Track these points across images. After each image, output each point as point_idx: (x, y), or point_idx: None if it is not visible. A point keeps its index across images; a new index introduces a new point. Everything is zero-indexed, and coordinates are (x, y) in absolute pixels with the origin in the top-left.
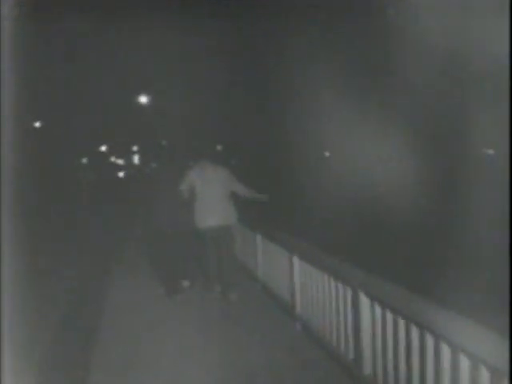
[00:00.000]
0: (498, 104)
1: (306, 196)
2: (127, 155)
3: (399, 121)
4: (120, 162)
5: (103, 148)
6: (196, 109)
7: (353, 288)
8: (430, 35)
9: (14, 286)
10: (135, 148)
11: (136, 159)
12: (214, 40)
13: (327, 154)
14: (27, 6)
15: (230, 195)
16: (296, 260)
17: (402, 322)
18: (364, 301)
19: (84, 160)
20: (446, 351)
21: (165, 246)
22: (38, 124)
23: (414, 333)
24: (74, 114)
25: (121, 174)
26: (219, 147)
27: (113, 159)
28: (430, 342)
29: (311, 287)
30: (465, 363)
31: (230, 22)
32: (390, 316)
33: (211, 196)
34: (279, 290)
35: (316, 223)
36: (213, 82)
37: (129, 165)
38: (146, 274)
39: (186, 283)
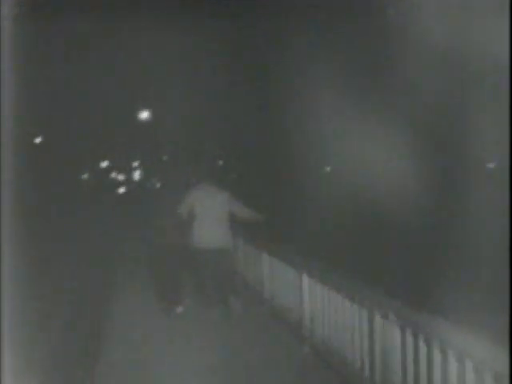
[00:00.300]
0: (498, 104)
1: (310, 210)
2: (128, 171)
3: (402, 123)
4: (121, 177)
5: (104, 164)
6: (197, 122)
7: (369, 310)
8: (430, 35)
9: (14, 286)
10: (136, 164)
11: (137, 175)
12: (217, 48)
13: (328, 169)
14: (27, 5)
15: (228, 217)
16: (305, 279)
17: (423, 346)
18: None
19: (84, 176)
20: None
21: (160, 263)
22: (37, 140)
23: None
24: (73, 125)
25: (121, 190)
26: (220, 162)
27: (113, 175)
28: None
29: (323, 308)
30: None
31: (232, 31)
32: (410, 340)
33: (210, 218)
34: (288, 311)
35: (323, 238)
36: (214, 95)
37: (129, 180)
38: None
39: (179, 309)
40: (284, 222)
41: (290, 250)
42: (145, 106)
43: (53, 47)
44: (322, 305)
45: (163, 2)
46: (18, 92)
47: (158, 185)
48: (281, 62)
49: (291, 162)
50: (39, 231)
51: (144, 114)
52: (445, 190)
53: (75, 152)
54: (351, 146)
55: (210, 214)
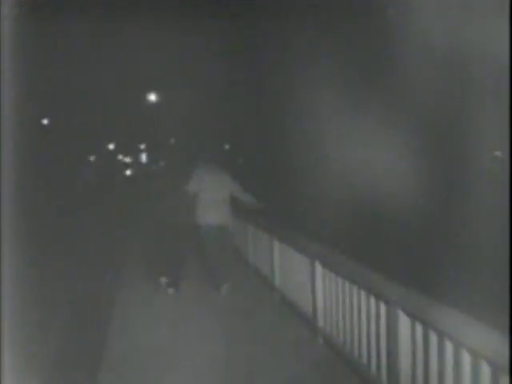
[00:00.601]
0: (499, 104)
1: (320, 196)
2: (135, 153)
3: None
4: (127, 160)
5: (111, 146)
6: (204, 107)
7: (387, 303)
8: (430, 35)
9: (14, 286)
10: (143, 146)
11: (143, 157)
12: (223, 37)
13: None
14: (27, 5)
15: (229, 199)
16: (318, 267)
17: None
18: (403, 319)
19: (92, 158)
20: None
21: (161, 241)
22: (45, 121)
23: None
24: (81, 112)
25: (128, 172)
26: (227, 146)
27: (120, 157)
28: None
29: (336, 299)
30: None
31: (238, 18)
32: (434, 338)
33: (212, 197)
34: (299, 300)
35: (335, 226)
36: (222, 80)
37: (136, 163)
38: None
39: (163, 280)
40: (289, 208)
41: (300, 236)
42: (152, 90)
43: (53, 47)
44: (335, 294)
45: (163, 2)
46: (18, 92)
47: (164, 167)
48: (289, 59)
49: (299, 150)
50: (42, 221)
51: (151, 97)
52: (451, 188)
53: (82, 136)
54: (357, 140)
55: (212, 195)
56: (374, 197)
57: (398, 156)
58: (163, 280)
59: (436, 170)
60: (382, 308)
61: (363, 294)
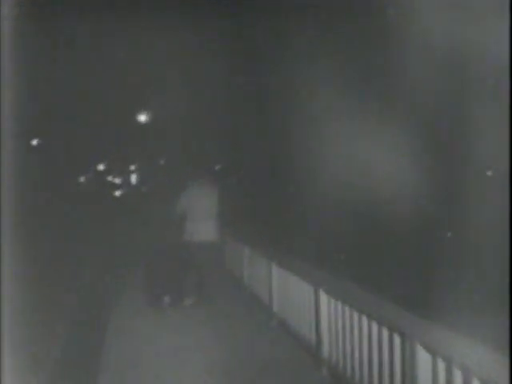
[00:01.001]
0: (499, 105)
1: (325, 218)
2: (124, 174)
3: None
4: (117, 181)
5: (101, 167)
6: (196, 126)
7: (402, 335)
8: (429, 35)
9: (14, 286)
10: (133, 167)
11: (133, 178)
12: (217, 50)
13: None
14: (27, 5)
15: (217, 214)
16: (323, 296)
17: None
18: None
19: (81, 179)
20: None
21: (153, 259)
22: (34, 142)
23: None
24: (71, 127)
25: (117, 193)
26: (218, 166)
27: (110, 178)
28: None
29: (342, 328)
30: None
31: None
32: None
33: (200, 215)
34: (300, 328)
35: (340, 250)
36: (214, 98)
37: (126, 184)
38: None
39: (166, 299)
40: (289, 230)
41: (302, 261)
42: (143, 108)
43: (53, 47)
44: (341, 323)
45: (163, 2)
46: (18, 92)
47: (154, 188)
48: (282, 62)
49: (293, 164)
50: (38, 230)
51: (142, 117)
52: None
53: (72, 153)
54: (356, 147)
55: (200, 212)
56: (383, 217)
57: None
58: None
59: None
60: (396, 340)
61: (374, 324)
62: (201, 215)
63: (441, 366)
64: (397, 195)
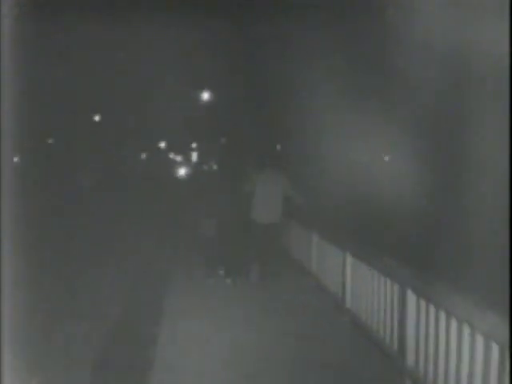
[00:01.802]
0: (498, 105)
1: (410, 204)
2: (186, 152)
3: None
4: (178, 158)
5: (162, 144)
6: (260, 106)
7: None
8: (428, 35)
9: (14, 286)
10: (194, 145)
11: (195, 156)
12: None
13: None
14: (27, 5)
15: (281, 197)
16: (411, 297)
17: None
18: None
19: (143, 155)
20: None
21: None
22: (97, 118)
23: None
24: (132, 108)
25: (182, 172)
26: (279, 147)
27: (171, 156)
28: None
29: (436, 335)
30: None
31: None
32: None
33: (266, 197)
34: (378, 329)
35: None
36: (278, 81)
37: (187, 162)
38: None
39: (221, 272)
40: (366, 217)
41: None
42: (205, 88)
43: (53, 47)
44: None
45: (164, 2)
46: (18, 91)
47: (215, 167)
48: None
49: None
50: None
51: (205, 95)
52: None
53: (133, 134)
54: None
55: (267, 194)
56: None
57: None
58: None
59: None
60: (495, 351)
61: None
62: (268, 197)
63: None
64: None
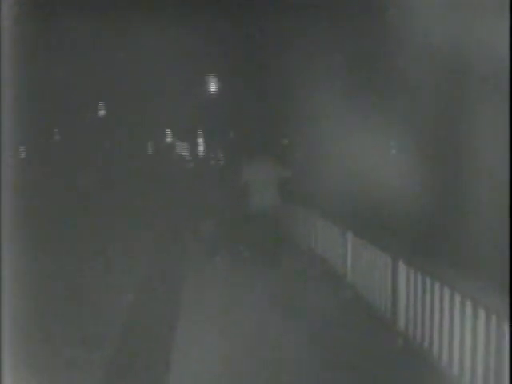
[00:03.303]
0: (499, 105)
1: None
2: (192, 146)
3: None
4: (185, 153)
5: (168, 139)
6: (266, 99)
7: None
8: (428, 35)
9: (14, 286)
10: (200, 139)
11: (201, 150)
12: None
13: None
14: (27, 5)
15: (277, 182)
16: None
17: None
18: None
19: (150, 150)
20: None
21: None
22: (102, 113)
23: None
24: (136, 103)
25: (191, 165)
26: (285, 141)
27: (178, 150)
28: None
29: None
30: None
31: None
32: None
33: (260, 185)
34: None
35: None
36: (288, 74)
37: (193, 156)
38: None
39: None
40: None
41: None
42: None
43: (53, 47)
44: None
45: (164, 2)
46: (18, 91)
47: (222, 162)
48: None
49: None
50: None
51: (211, 87)
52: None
53: (139, 128)
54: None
55: (259, 182)
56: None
57: None
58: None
59: None
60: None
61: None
62: (262, 184)
63: None
64: None
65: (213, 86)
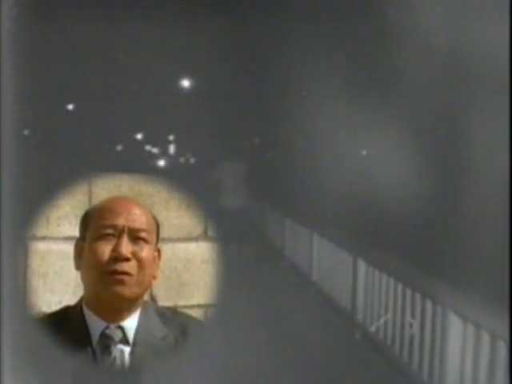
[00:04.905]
0: (499, 105)
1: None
2: (163, 144)
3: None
4: (155, 151)
5: (139, 136)
6: (235, 97)
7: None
8: (428, 35)
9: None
10: (171, 137)
11: (172, 149)
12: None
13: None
14: (27, 5)
15: (245, 182)
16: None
17: None
18: None
19: (118, 148)
20: None
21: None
22: (70, 107)
23: None
24: (108, 99)
25: (161, 163)
26: (257, 140)
27: (148, 148)
28: None
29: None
30: None
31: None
32: None
33: (231, 182)
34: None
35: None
36: (256, 72)
37: (164, 154)
38: None
39: None
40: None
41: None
42: (184, 76)
43: (53, 47)
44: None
45: (164, 2)
46: (18, 91)
47: (193, 160)
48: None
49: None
50: None
51: (184, 83)
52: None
53: (108, 125)
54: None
55: (232, 181)
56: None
57: None
58: None
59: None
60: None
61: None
62: (232, 187)
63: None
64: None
65: (187, 85)
